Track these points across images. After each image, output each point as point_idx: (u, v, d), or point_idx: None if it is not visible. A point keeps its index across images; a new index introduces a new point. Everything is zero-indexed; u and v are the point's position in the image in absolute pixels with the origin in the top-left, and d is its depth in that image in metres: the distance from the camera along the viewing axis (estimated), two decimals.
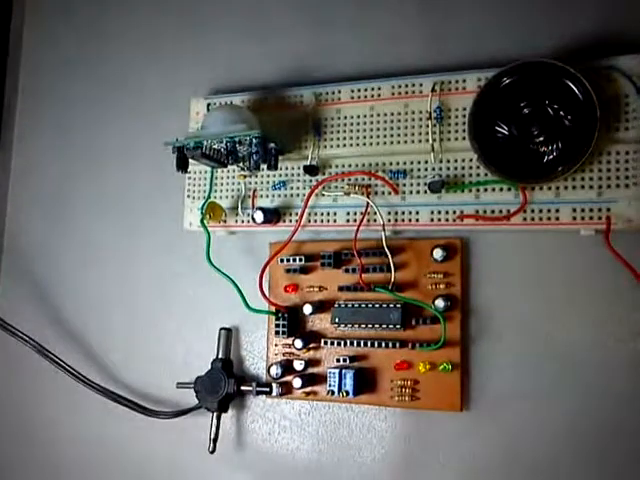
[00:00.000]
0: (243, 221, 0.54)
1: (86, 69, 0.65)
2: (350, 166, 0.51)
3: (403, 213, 0.49)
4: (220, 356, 0.55)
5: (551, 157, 0.45)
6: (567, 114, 0.44)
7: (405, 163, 0.50)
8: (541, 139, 0.45)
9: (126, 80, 0.63)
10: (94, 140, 0.64)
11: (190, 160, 0.51)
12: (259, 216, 0.52)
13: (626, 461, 0.45)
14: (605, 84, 0.45)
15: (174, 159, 0.51)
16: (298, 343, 0.51)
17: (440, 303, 0.48)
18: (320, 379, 0.51)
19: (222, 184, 0.55)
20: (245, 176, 0.54)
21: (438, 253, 0.49)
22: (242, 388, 0.54)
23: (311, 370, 0.52)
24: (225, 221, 0.55)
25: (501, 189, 0.47)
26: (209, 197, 0.54)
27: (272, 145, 0.50)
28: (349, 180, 0.51)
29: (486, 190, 0.47)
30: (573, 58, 0.46)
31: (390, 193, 0.50)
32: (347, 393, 0.49)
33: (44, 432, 0.62)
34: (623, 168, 0.44)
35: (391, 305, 0.49)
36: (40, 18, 0.68)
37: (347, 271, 0.51)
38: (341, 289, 0.51)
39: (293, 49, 0.57)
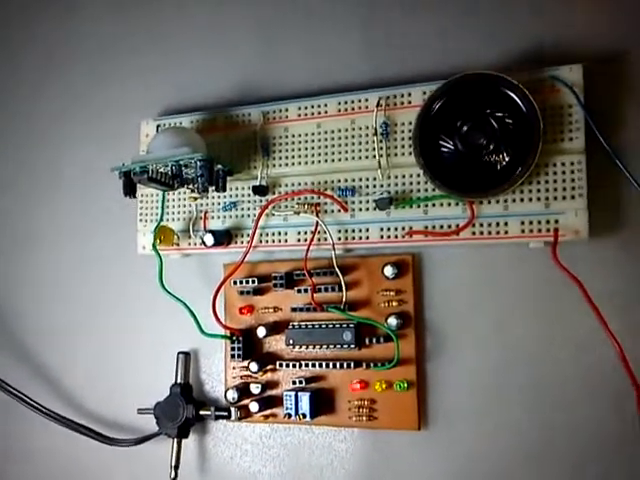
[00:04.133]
0: (196, 243, 0.53)
1: (35, 96, 0.64)
2: (299, 184, 0.51)
3: (353, 231, 0.49)
4: (179, 381, 0.54)
5: (497, 170, 0.44)
6: (511, 126, 0.44)
7: (354, 180, 0.49)
8: (487, 151, 0.45)
9: (77, 105, 0.62)
10: (47, 168, 0.63)
11: (139, 184, 0.50)
12: (209, 239, 0.51)
13: (583, 474, 0.45)
14: (549, 95, 0.44)
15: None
16: (253, 366, 0.50)
17: (392, 321, 0.47)
18: (278, 401, 0.51)
19: (174, 206, 0.55)
20: (195, 198, 0.53)
21: (389, 270, 0.48)
22: (201, 413, 0.53)
23: (269, 393, 0.51)
24: (178, 244, 0.54)
25: (449, 204, 0.46)
26: (161, 220, 0.53)
27: (219, 167, 0.50)
28: (298, 199, 0.50)
29: (434, 205, 0.47)
30: (515, 68, 0.45)
31: (339, 211, 0.49)
32: (304, 416, 0.48)
33: (5, 463, 0.61)
34: (569, 179, 0.44)
35: (344, 325, 0.48)
36: None
37: (300, 291, 0.50)
38: (294, 310, 0.50)
39: (240, 68, 0.56)
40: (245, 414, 0.51)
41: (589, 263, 0.44)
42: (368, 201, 0.48)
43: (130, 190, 0.50)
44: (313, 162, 0.50)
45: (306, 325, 0.49)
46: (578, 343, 0.45)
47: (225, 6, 0.57)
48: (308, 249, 0.49)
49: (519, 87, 0.43)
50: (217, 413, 0.52)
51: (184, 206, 0.54)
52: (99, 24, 0.62)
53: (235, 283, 0.52)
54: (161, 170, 0.49)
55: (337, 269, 0.48)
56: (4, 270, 0.64)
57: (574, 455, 0.45)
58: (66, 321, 0.60)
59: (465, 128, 0.45)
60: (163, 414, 0.53)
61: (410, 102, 0.48)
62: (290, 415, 0.49)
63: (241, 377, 0.52)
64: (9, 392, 0.57)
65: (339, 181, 0.49)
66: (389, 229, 0.48)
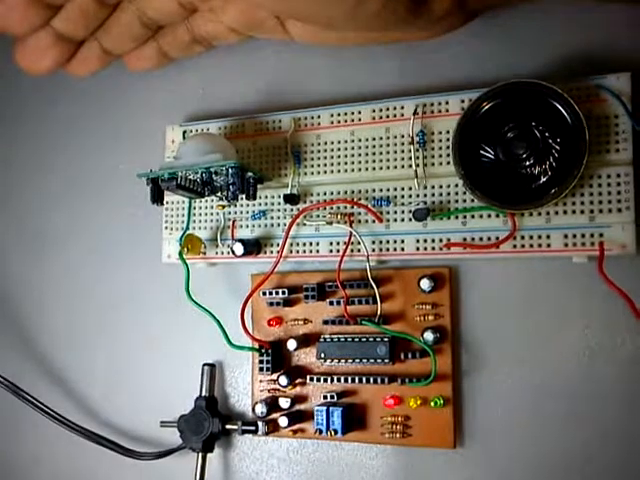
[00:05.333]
0: (223, 252, 0.52)
1: (59, 101, 0.63)
2: (332, 194, 0.49)
3: (388, 242, 0.47)
4: (204, 393, 0.53)
5: (540, 182, 0.43)
6: (555, 137, 0.43)
7: (388, 190, 0.48)
8: (530, 162, 0.43)
9: (101, 109, 0.61)
10: (70, 173, 0.62)
11: (166, 191, 0.49)
12: (239, 248, 0.50)
13: None
14: (594, 104, 0.43)
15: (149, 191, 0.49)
16: (283, 380, 0.49)
17: (429, 336, 0.46)
18: (308, 416, 0.49)
19: (200, 214, 0.53)
20: (224, 206, 0.52)
21: (425, 283, 0.46)
22: (227, 427, 0.52)
23: (298, 407, 0.50)
24: (205, 253, 0.53)
25: (489, 215, 0.45)
26: (187, 229, 0.52)
27: (250, 174, 0.48)
28: (331, 209, 0.49)
29: (473, 217, 0.45)
30: (560, 77, 0.44)
31: (374, 221, 0.47)
32: (335, 432, 0.47)
33: (22, 475, 0.60)
34: (615, 191, 0.42)
35: (378, 339, 0.47)
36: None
37: (332, 303, 0.49)
38: (326, 322, 0.49)
39: (269, 73, 0.54)
40: (273, 428, 0.50)
41: (636, 278, 0.43)
42: (404, 212, 0.47)
43: (158, 197, 0.49)
44: (346, 171, 0.49)
45: (338, 338, 0.48)
46: (624, 360, 0.43)
47: None
48: (341, 260, 0.47)
49: (564, 97, 0.42)
50: (244, 427, 0.51)
51: (211, 214, 0.53)
52: None
53: (264, 294, 0.50)
54: (190, 177, 0.48)
55: (371, 281, 0.47)
56: (24, 278, 0.62)
57: (616, 474, 0.43)
58: (88, 331, 0.59)
59: (509, 136, 0.43)
60: (187, 428, 0.52)
61: (448, 110, 0.47)
62: (321, 431, 0.47)
63: (269, 391, 0.51)
64: (29, 402, 0.55)
65: (374, 191, 0.48)
66: (425, 241, 0.46)
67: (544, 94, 0.42)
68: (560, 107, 0.42)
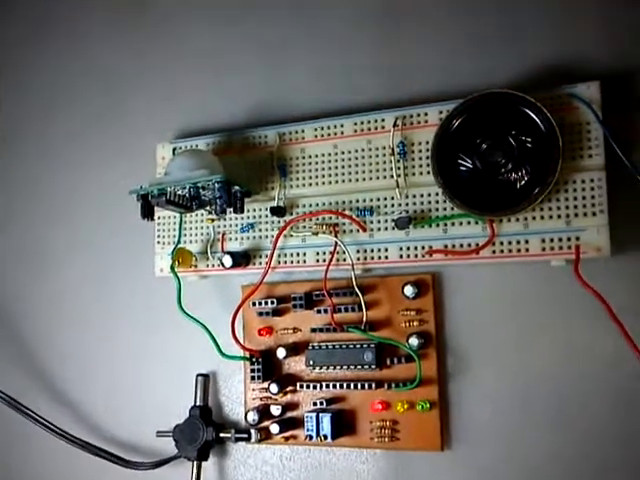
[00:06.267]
0: (214, 265, 0.53)
1: (55, 121, 0.65)
2: (317, 205, 0.51)
3: (372, 251, 0.49)
4: (198, 403, 0.54)
5: (517, 188, 0.44)
6: (530, 144, 0.44)
7: (372, 200, 0.49)
8: (507, 169, 0.44)
9: (92, 129, 0.63)
10: (63, 192, 0.63)
11: (157, 207, 0.50)
12: (227, 260, 0.51)
13: None
14: (567, 112, 0.44)
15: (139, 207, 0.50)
16: (274, 388, 0.50)
17: (414, 341, 0.47)
18: (299, 423, 0.50)
19: (191, 228, 0.55)
20: (213, 220, 0.53)
21: (409, 290, 0.48)
22: (221, 435, 0.53)
23: (289, 414, 0.51)
24: (196, 266, 0.54)
25: (469, 223, 0.46)
26: (179, 243, 0.53)
27: (237, 188, 0.50)
28: (317, 220, 0.50)
29: (454, 224, 0.46)
30: (533, 87, 0.45)
31: (358, 231, 0.49)
32: (325, 437, 0.48)
33: None
34: (589, 196, 0.43)
35: (365, 345, 0.48)
36: (12, 70, 0.68)
37: (319, 312, 0.50)
38: (314, 330, 0.50)
39: (254, 90, 0.56)
40: (265, 436, 0.51)
41: (612, 280, 0.44)
42: (387, 221, 0.48)
43: (148, 213, 0.50)
44: (330, 182, 0.50)
45: (326, 346, 0.49)
46: (603, 360, 0.44)
47: (238, 28, 0.58)
48: (327, 269, 0.48)
49: (537, 105, 0.43)
50: (237, 435, 0.52)
51: (201, 228, 0.54)
52: (115, 51, 0.63)
53: (254, 304, 0.52)
54: (179, 192, 0.50)
55: (357, 289, 0.48)
56: (22, 294, 0.64)
57: (601, 474, 0.44)
58: (84, 344, 0.60)
59: (484, 146, 0.45)
60: (183, 437, 0.53)
61: (427, 121, 0.48)
62: (311, 437, 0.48)
63: (261, 399, 0.52)
64: (27, 415, 0.57)
65: (357, 201, 0.49)
66: (408, 248, 0.48)
67: (516, 103, 0.43)
68: (533, 115, 0.43)
